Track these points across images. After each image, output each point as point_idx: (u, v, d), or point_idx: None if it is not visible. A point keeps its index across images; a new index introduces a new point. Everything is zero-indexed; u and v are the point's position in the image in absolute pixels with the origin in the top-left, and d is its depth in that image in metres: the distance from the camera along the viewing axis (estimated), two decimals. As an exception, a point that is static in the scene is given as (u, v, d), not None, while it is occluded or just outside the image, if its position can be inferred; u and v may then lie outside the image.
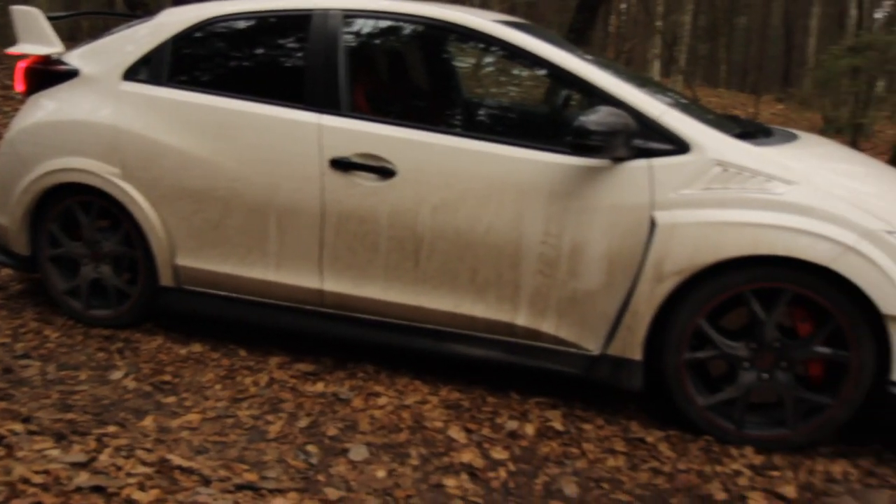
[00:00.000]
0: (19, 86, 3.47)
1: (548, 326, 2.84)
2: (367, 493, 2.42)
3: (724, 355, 2.69)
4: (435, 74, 4.16)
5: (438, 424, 2.82)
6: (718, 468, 2.63)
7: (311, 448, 2.65)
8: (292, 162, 3.00)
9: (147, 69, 3.26)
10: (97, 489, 2.26)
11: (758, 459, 2.66)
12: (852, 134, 9.12)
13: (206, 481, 2.39)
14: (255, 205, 3.08)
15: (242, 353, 3.33)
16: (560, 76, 2.98)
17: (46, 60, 3.39)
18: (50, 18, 3.43)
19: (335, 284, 3.06)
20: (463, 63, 4.41)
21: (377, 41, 3.52)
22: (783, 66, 21.62)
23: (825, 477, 2.60)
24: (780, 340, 2.64)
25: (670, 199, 2.64)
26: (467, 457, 2.64)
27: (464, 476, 2.55)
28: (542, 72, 3.08)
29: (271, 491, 2.38)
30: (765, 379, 2.67)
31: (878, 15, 20.01)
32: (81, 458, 2.43)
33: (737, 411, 2.71)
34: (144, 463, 2.47)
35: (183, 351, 3.33)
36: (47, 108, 3.36)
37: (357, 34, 3.25)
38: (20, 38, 3.40)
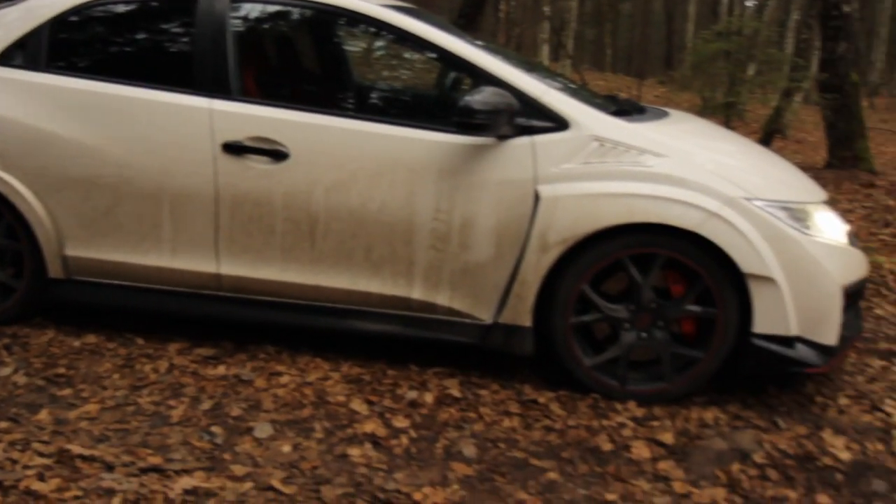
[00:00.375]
0: None
1: (442, 299, 2.97)
2: (274, 468, 2.49)
3: (606, 318, 2.90)
4: (325, 58, 4.20)
5: (341, 398, 2.91)
6: (605, 422, 2.84)
7: (215, 429, 2.69)
8: (184, 147, 3.00)
9: (22, 54, 3.16)
10: (-7, 483, 2.24)
11: (640, 412, 2.89)
12: (725, 114, 9.71)
13: (110, 467, 2.40)
14: (147, 191, 3.05)
15: (140, 341, 3.30)
16: (447, 59, 3.11)
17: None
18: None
19: (232, 268, 3.08)
20: (354, 47, 4.47)
21: (266, 25, 3.54)
22: (665, 50, 22.66)
23: (699, 423, 2.85)
24: (656, 302, 2.87)
25: (552, 173, 2.82)
26: (370, 427, 2.75)
27: (367, 445, 2.65)
28: (431, 55, 3.19)
29: (177, 472, 2.41)
30: (644, 338, 2.90)
31: (749, 3, 21.26)
32: (-28, 455, 2.38)
33: (620, 369, 2.92)
34: (42, 455, 2.45)
35: (76, 343, 3.27)
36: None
37: (245, 18, 3.26)
38: None
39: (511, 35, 16.58)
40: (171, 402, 2.84)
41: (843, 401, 3.06)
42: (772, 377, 3.10)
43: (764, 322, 2.80)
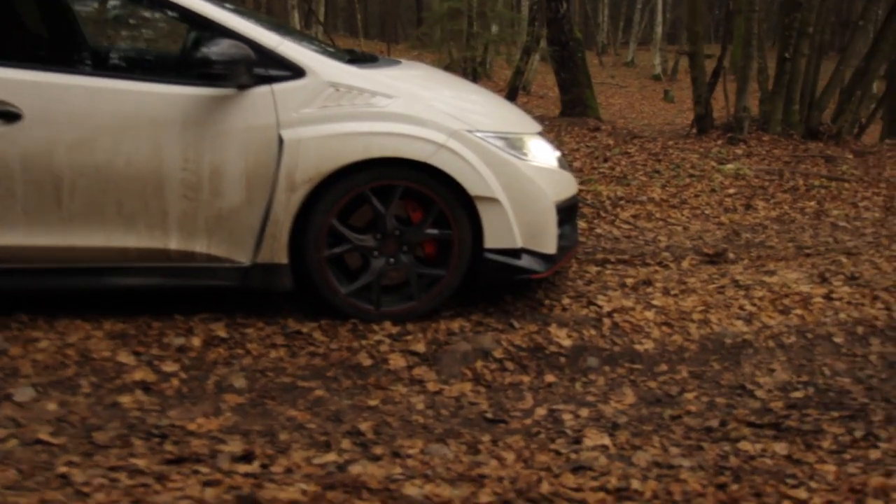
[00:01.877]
0: None
1: (200, 246, 3.08)
2: (40, 424, 2.49)
3: (356, 248, 3.18)
4: (56, 18, 4.04)
5: (106, 354, 2.93)
6: (364, 342, 3.13)
7: (-33, 401, 2.61)
8: None
9: None
10: None
11: (395, 330, 3.22)
12: (472, 69, 10.41)
13: None
14: None
15: None
16: (185, 16, 3.17)
17: None
18: None
19: None
20: (87, 7, 4.33)
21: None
22: (416, 14, 23.47)
23: (446, 332, 3.24)
24: (399, 229, 3.19)
25: (293, 118, 3.02)
26: (139, 375, 2.81)
27: (138, 392, 2.73)
28: (170, 14, 3.24)
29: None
30: (392, 263, 3.22)
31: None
32: None
33: (373, 294, 3.22)
34: None
35: None
36: None
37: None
38: None
39: (259, 3, 16.31)
40: (-86, 382, 2.71)
41: (565, 301, 3.61)
42: (506, 286, 3.57)
43: (493, 238, 3.23)
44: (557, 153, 3.64)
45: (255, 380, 2.88)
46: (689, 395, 2.92)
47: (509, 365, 3.11)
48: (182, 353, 2.99)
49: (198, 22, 3.15)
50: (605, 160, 6.81)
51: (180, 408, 2.65)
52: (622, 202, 5.63)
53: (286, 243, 3.08)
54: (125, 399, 2.67)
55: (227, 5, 3.29)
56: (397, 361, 3.04)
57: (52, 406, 2.60)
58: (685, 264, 4.22)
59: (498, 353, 3.14)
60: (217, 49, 2.85)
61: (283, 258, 3.10)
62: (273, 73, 3.02)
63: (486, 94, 3.99)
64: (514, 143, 3.30)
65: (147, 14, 4.60)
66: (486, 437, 2.55)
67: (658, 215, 5.42)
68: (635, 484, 2.22)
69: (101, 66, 3.95)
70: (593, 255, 4.37)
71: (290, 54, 3.06)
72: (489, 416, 2.75)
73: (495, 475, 2.25)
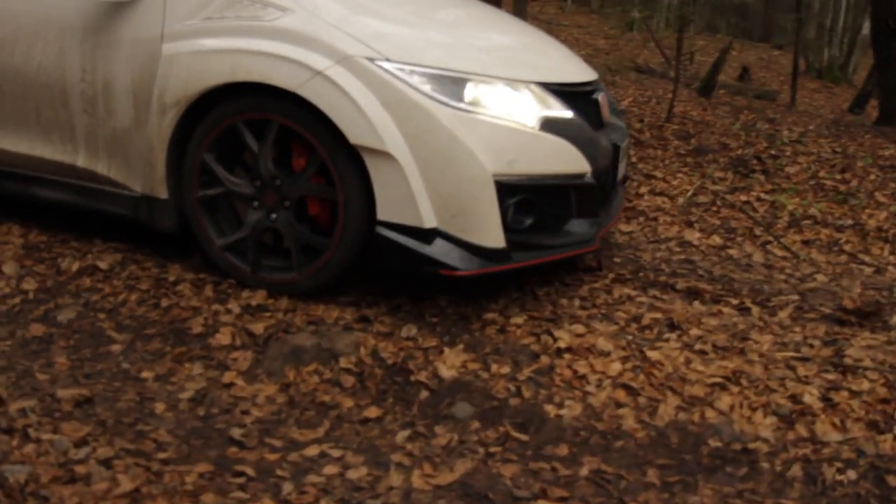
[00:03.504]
0: None
1: (102, 168, 2.81)
2: None
3: (230, 192, 2.61)
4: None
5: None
6: (216, 307, 2.57)
7: None
8: None
9: None
10: None
11: (259, 301, 2.57)
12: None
13: None
14: None
15: None
16: None
17: None
18: None
19: None
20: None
21: None
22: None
23: (314, 320, 2.50)
24: (280, 177, 2.53)
25: (176, 30, 2.56)
26: (-1, 285, 2.70)
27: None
28: None
29: None
30: (273, 219, 2.57)
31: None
32: None
33: (249, 253, 2.62)
34: None
35: None
36: None
37: None
38: None
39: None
40: None
41: (519, 318, 2.54)
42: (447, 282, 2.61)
43: (388, 208, 2.39)
44: (567, 114, 2.57)
45: (83, 317, 2.56)
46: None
47: (346, 380, 2.27)
48: (56, 275, 2.79)
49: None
50: (843, 170, 4.83)
51: (-24, 324, 2.48)
52: (804, 222, 3.88)
53: (163, 175, 2.66)
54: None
55: None
56: (223, 338, 2.43)
57: None
58: (783, 314, 2.66)
59: (344, 362, 2.31)
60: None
61: (162, 192, 2.69)
62: (165, -25, 2.59)
63: (487, 15, 3.03)
64: (448, 84, 2.38)
65: None
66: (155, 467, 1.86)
67: (849, 248, 3.58)
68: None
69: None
70: (657, 275, 3.02)
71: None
72: (235, 438, 2.02)
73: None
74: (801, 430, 2.06)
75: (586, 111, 2.76)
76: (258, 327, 2.45)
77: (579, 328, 2.49)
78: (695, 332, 2.52)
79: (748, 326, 2.59)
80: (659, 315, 2.62)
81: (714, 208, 4.06)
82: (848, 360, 2.37)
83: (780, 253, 3.46)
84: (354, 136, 2.34)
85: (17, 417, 1.97)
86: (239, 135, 2.52)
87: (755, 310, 2.73)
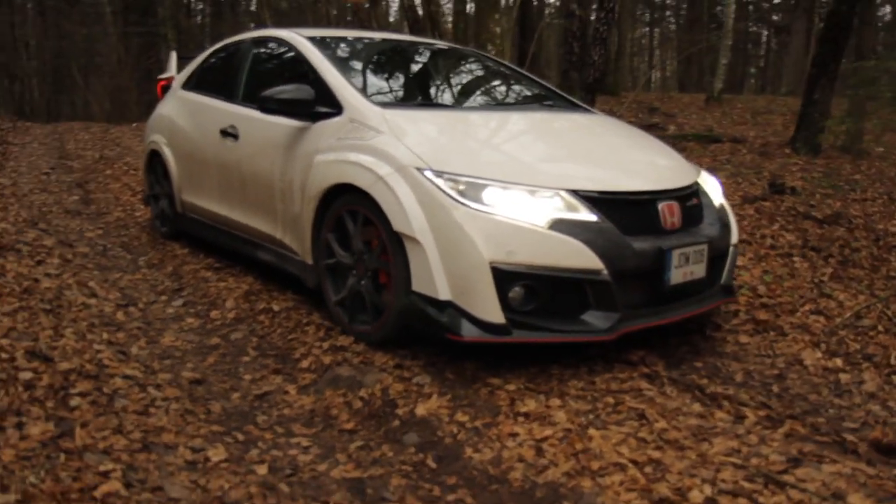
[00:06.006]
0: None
1: (287, 239, 3.97)
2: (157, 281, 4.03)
3: (339, 263, 3.53)
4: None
5: (228, 300, 4.21)
6: (318, 343, 3.52)
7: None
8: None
9: (194, 82, 5.33)
10: None
11: (346, 342, 3.43)
12: None
13: None
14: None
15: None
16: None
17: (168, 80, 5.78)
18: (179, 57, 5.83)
19: None
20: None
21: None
22: None
23: (370, 360, 3.25)
24: (365, 253, 3.38)
25: (323, 145, 3.62)
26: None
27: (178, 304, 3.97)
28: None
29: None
30: (361, 284, 3.43)
31: None
32: None
33: (347, 308, 3.51)
34: None
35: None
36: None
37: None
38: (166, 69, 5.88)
39: None
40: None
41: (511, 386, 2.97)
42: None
43: (418, 281, 3.08)
44: (574, 216, 3.02)
45: (244, 338, 3.70)
46: None
47: (355, 403, 3.00)
48: (248, 310, 4.01)
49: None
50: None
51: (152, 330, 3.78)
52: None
53: (309, 247, 3.71)
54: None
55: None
56: (305, 363, 3.35)
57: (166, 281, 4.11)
58: (783, 431, 2.59)
59: (362, 392, 3.04)
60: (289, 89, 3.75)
61: (309, 259, 3.74)
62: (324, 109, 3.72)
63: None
64: (464, 188, 3.02)
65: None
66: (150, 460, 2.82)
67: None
68: None
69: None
70: (709, 382, 3.09)
71: (337, 94, 3.68)
72: (258, 421, 2.89)
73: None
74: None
75: (627, 217, 3.12)
76: (328, 359, 3.31)
77: (556, 401, 2.85)
78: (660, 425, 2.68)
79: (721, 430, 2.65)
80: (643, 406, 2.81)
81: (872, 333, 3.78)
82: (788, 478, 2.34)
83: (821, 378, 3.19)
84: (396, 224, 3.12)
85: (148, 385, 3.11)
86: (344, 221, 3.47)
87: (750, 417, 2.74)
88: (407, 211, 3.09)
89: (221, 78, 4.94)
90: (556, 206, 3.03)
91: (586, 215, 3.04)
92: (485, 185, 3.04)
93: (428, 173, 3.11)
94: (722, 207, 3.73)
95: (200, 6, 23.89)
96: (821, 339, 3.69)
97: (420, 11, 10.91)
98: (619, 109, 11.67)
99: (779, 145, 9.43)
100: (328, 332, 3.62)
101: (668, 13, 29.41)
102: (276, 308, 4.00)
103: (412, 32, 10.15)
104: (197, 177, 4.96)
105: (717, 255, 3.52)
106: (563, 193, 3.06)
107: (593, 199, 3.09)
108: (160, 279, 4.60)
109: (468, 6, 14.68)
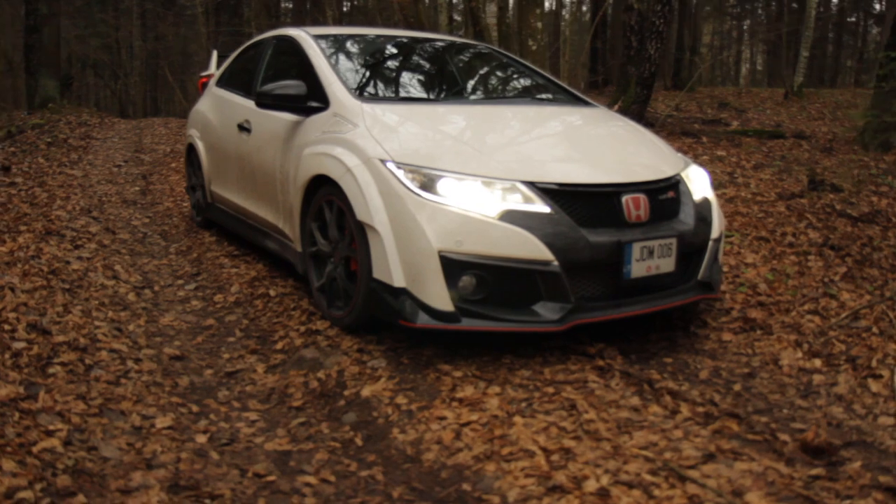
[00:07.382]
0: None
1: (286, 228, 4.18)
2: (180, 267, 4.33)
3: (319, 250, 3.69)
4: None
5: (233, 274, 4.46)
6: (298, 327, 3.70)
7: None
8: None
9: (224, 78, 5.62)
10: None
11: (322, 326, 3.60)
12: None
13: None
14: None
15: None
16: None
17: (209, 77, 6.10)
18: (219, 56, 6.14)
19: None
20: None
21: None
22: None
23: (338, 343, 3.41)
24: (339, 241, 3.53)
25: (310, 139, 3.80)
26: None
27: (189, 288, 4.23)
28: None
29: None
30: (337, 271, 3.58)
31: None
32: None
33: (325, 294, 3.67)
34: None
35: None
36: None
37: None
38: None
39: None
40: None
41: (459, 375, 3.05)
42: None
43: (377, 268, 3.21)
44: (541, 208, 3.06)
45: (236, 321, 3.93)
46: None
47: (312, 383, 3.15)
48: (249, 295, 4.24)
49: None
50: None
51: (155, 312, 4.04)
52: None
53: (299, 235, 3.90)
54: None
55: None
56: (279, 345, 3.54)
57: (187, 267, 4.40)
58: (713, 427, 2.55)
59: (320, 373, 3.20)
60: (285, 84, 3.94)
61: (299, 247, 3.93)
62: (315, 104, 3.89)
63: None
64: (425, 179, 3.12)
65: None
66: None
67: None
68: None
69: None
70: (660, 376, 3.06)
71: (326, 90, 3.84)
72: (219, 396, 3.09)
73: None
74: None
75: (586, 209, 3.14)
76: (299, 342, 3.49)
77: (495, 389, 2.91)
78: (588, 416, 2.71)
79: (648, 424, 2.65)
80: (577, 397, 2.84)
81: (865, 335, 3.63)
82: (693, 474, 2.34)
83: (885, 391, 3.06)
84: (359, 213, 3.25)
85: (129, 358, 3.36)
86: (323, 211, 3.63)
87: (684, 412, 2.72)
88: (368, 201, 3.22)
89: (244, 75, 5.21)
90: (509, 198, 3.09)
91: (540, 207, 3.08)
92: (440, 176, 3.12)
93: (390, 164, 3.22)
94: (705, 201, 3.67)
95: (285, 4, 24.67)
96: (807, 339, 3.58)
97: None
98: (686, 104, 11.39)
99: (847, 141, 9.00)
100: (310, 316, 3.80)
101: (758, 4, 28.25)
102: (272, 293, 4.21)
103: (450, 30, 10.26)
104: (222, 169, 5.24)
105: (692, 250, 3.47)
106: (519, 185, 3.11)
107: (551, 192, 3.13)
108: (182, 265, 4.91)
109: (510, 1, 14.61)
